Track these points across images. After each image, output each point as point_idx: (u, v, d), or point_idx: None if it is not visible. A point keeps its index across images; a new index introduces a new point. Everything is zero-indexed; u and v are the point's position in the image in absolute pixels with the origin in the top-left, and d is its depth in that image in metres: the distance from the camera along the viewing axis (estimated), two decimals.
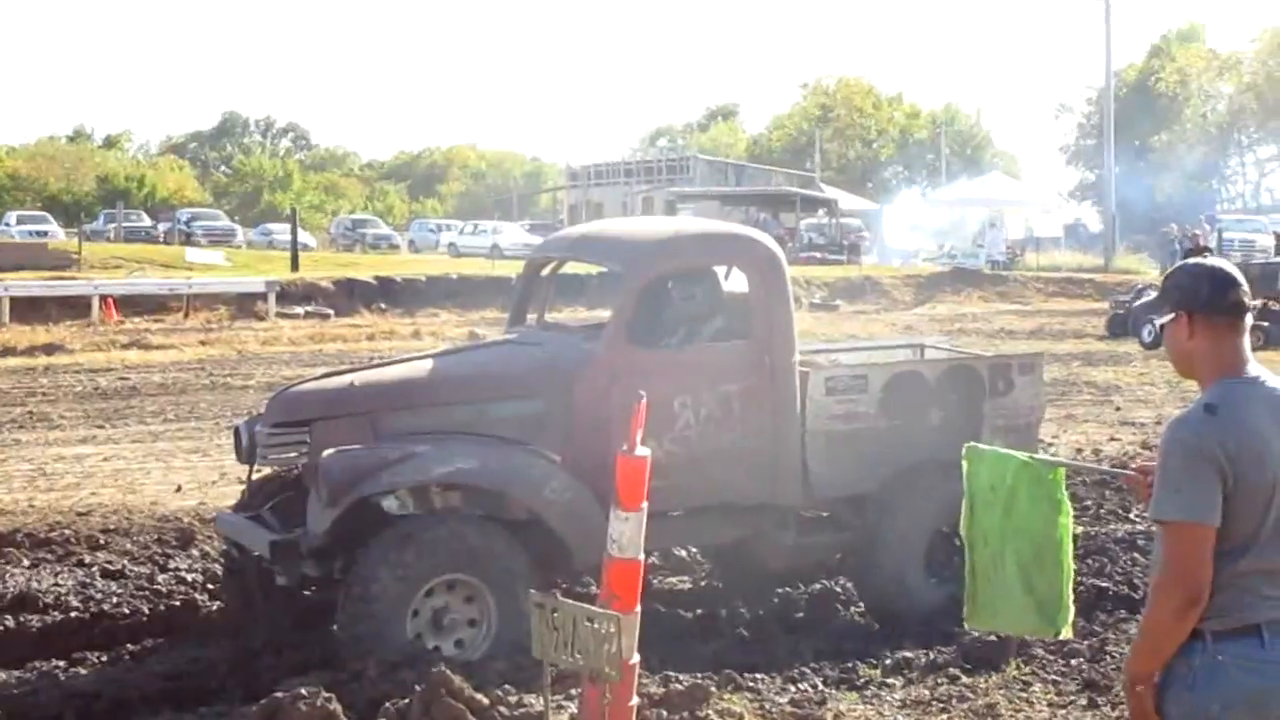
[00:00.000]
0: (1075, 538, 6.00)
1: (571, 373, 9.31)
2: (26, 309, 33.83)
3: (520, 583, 8.65)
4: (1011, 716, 7.94)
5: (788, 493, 9.74)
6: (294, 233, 40.17)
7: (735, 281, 9.93)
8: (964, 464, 5.78)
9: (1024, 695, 8.30)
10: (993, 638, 8.91)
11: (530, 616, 6.39)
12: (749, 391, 9.52)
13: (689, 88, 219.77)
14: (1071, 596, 5.73)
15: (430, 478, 8.90)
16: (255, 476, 9.93)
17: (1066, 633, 5.88)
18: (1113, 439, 17.84)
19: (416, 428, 9.14)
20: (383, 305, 37.42)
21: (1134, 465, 5.43)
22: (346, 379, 9.65)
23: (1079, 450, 16.62)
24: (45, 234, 60.41)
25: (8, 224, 66.44)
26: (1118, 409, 20.84)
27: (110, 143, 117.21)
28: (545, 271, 10.88)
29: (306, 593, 9.51)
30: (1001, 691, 8.31)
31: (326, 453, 8.87)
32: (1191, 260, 4.65)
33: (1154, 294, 19.94)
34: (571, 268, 12.60)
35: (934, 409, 10.06)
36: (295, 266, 42.54)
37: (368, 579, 8.58)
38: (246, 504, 9.93)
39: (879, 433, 9.90)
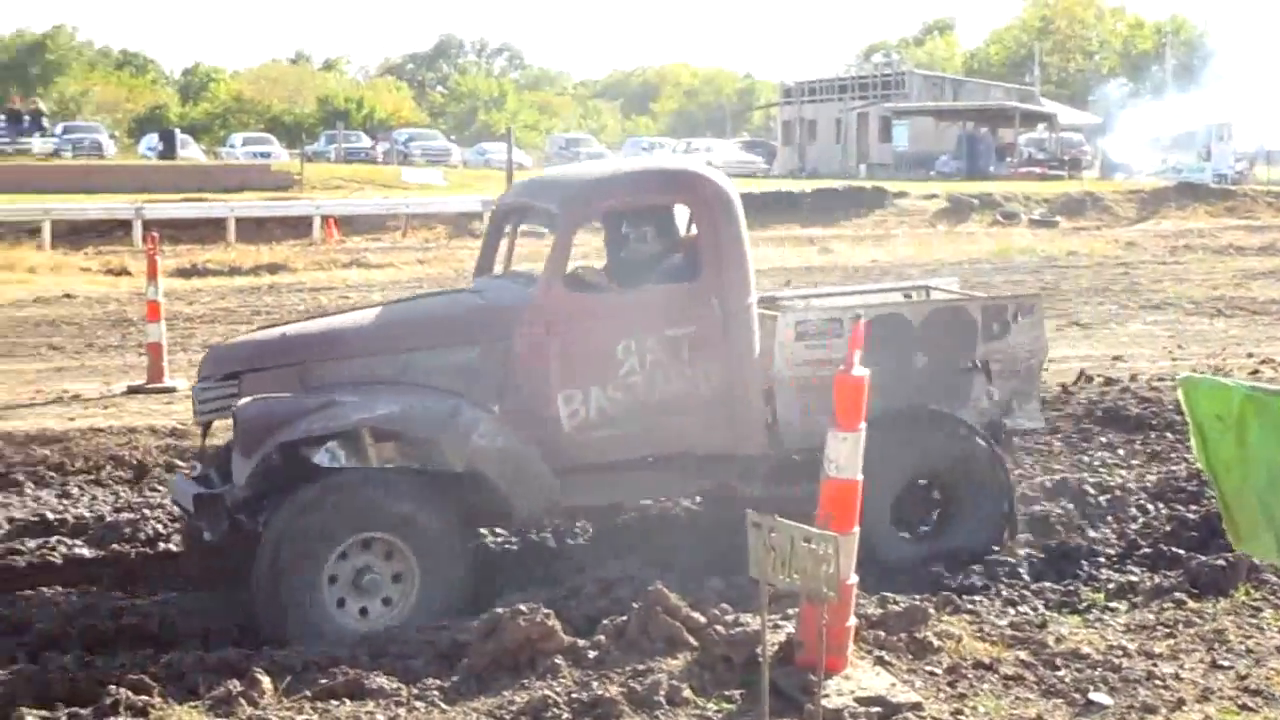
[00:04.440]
0: None
1: (507, 320, 8.96)
2: (251, 229, 34.60)
3: (443, 538, 8.42)
4: (1241, 643, 7.71)
5: (749, 442, 9.24)
6: (509, 152, 40.36)
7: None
8: (1180, 394, 5.61)
9: (1254, 621, 8.05)
10: (1220, 561, 8.69)
11: (747, 535, 6.33)
12: (698, 336, 9.05)
13: (904, 2, 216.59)
14: None
15: (348, 424, 8.49)
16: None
17: None
18: None
19: (345, 378, 8.84)
20: None
21: None
22: (278, 330, 9.50)
23: None
24: (268, 155, 61.74)
25: (232, 145, 68.12)
26: None
27: (329, 65, 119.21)
28: (508, 220, 10.33)
29: None
30: (1230, 617, 8.08)
31: (242, 401, 8.60)
32: None
33: None
34: None
35: (918, 353, 9.47)
36: (510, 185, 42.75)
37: (276, 542, 8.28)
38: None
39: None
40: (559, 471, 8.85)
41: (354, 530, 8.33)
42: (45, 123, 64.59)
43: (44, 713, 6.90)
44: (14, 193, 38.22)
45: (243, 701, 6.84)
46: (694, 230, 9.40)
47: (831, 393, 8.32)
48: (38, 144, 59.26)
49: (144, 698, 6.95)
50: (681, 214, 9.47)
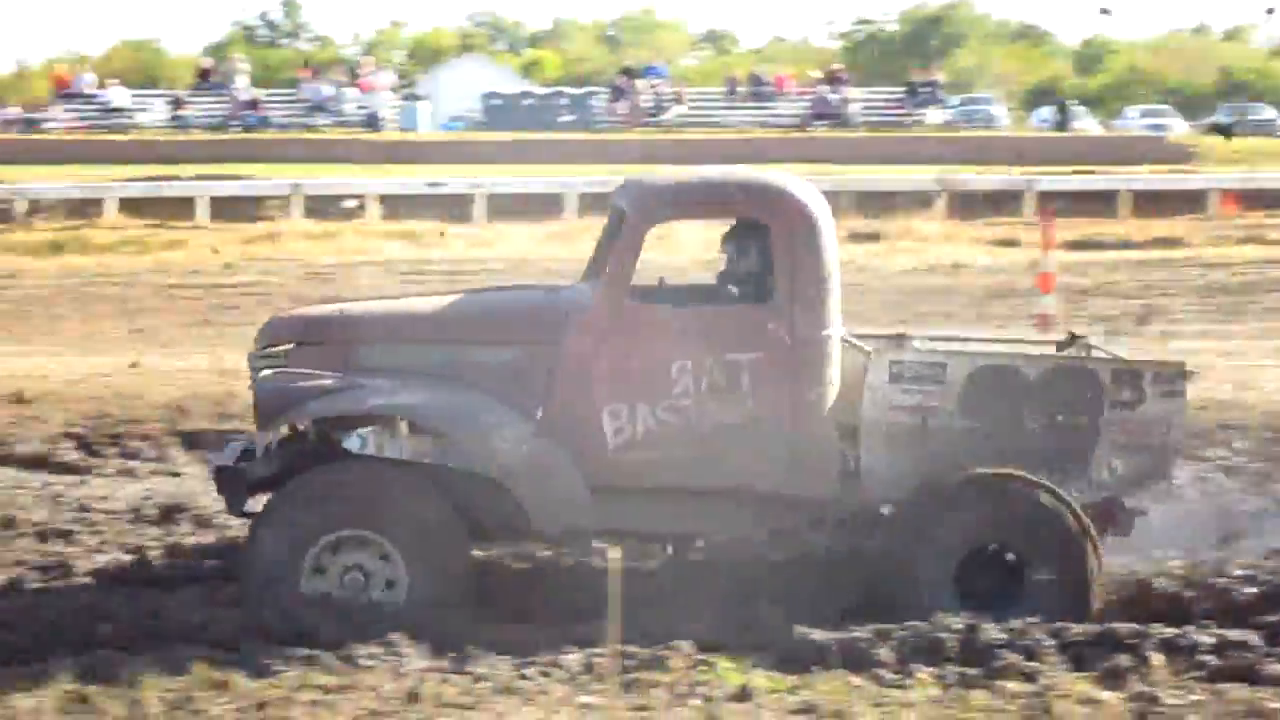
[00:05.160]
0: None
1: (561, 323, 8.43)
2: (1145, 202, 34.14)
3: (434, 540, 8.03)
4: None
5: (815, 485, 8.41)
6: None
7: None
8: None
9: None
10: None
11: None
12: (762, 364, 8.32)
13: None
14: None
15: (361, 410, 8.20)
16: None
17: None
18: None
19: (390, 364, 8.50)
20: None
21: None
22: (336, 306, 9.10)
23: None
24: (1164, 128, 60.63)
25: (1128, 117, 67.44)
26: None
27: (1231, 35, 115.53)
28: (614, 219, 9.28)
29: None
30: None
31: (263, 374, 8.41)
32: None
33: None
34: None
35: (1031, 413, 8.42)
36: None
37: (260, 531, 8.13)
38: None
39: (954, 433, 8.35)
40: (598, 491, 8.31)
41: (338, 525, 8.10)
42: (941, 95, 66.38)
43: (934, 670, 7.20)
44: (909, 164, 39.66)
45: (1134, 676, 6.86)
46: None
47: (925, 444, 8.25)
48: (932, 115, 60.99)
49: (1034, 664, 7.12)
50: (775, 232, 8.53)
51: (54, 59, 71.71)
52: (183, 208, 31.95)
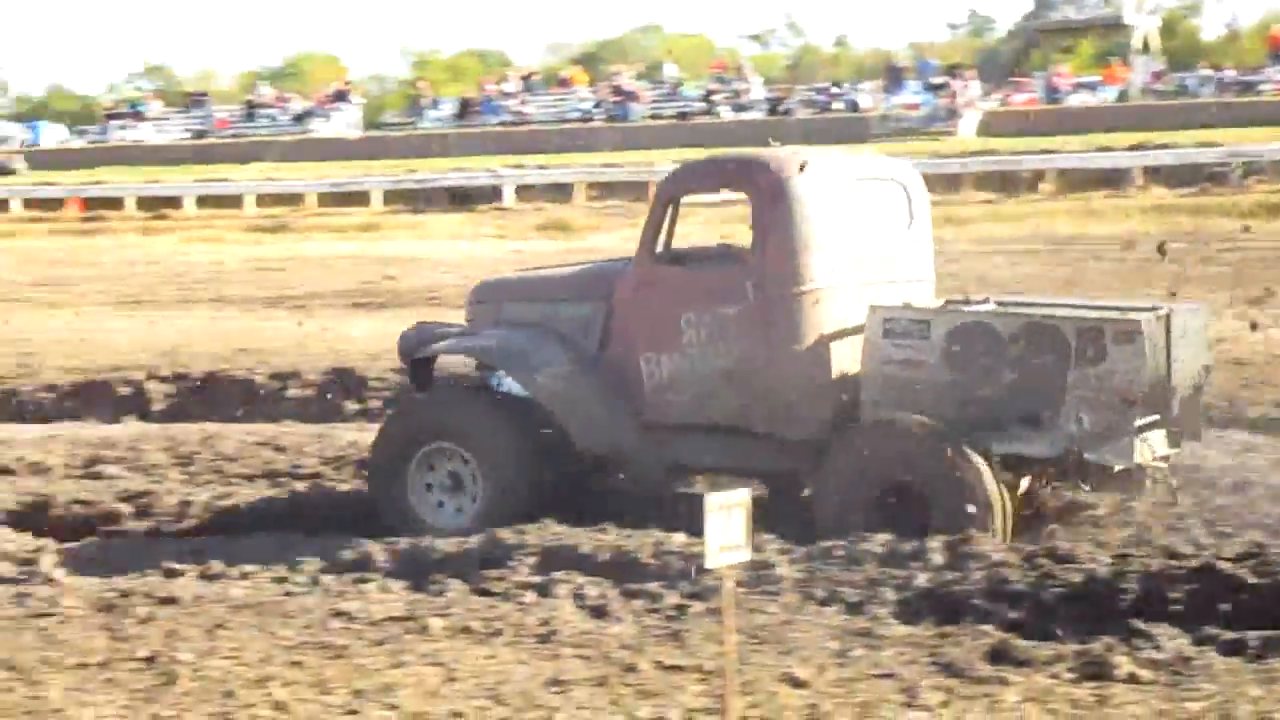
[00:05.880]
0: None
1: (614, 284, 10.27)
2: None
3: (509, 454, 10.06)
4: None
5: (795, 428, 9.67)
6: None
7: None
8: None
9: None
10: None
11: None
12: (741, 316, 9.69)
13: None
14: None
15: (456, 349, 10.80)
16: None
17: None
18: None
19: (515, 318, 10.61)
20: None
21: None
22: (516, 273, 12.09)
23: None
24: None
25: None
26: None
27: None
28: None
29: None
30: None
31: (408, 324, 11.27)
32: None
33: None
34: None
35: (1007, 369, 9.22)
36: None
37: (375, 443, 10.73)
38: None
39: (939, 385, 9.29)
40: (648, 426, 10.00)
41: (430, 439, 10.30)
42: None
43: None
44: None
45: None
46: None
47: (914, 396, 9.24)
48: None
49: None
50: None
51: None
52: None
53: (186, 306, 23.88)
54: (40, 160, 58.02)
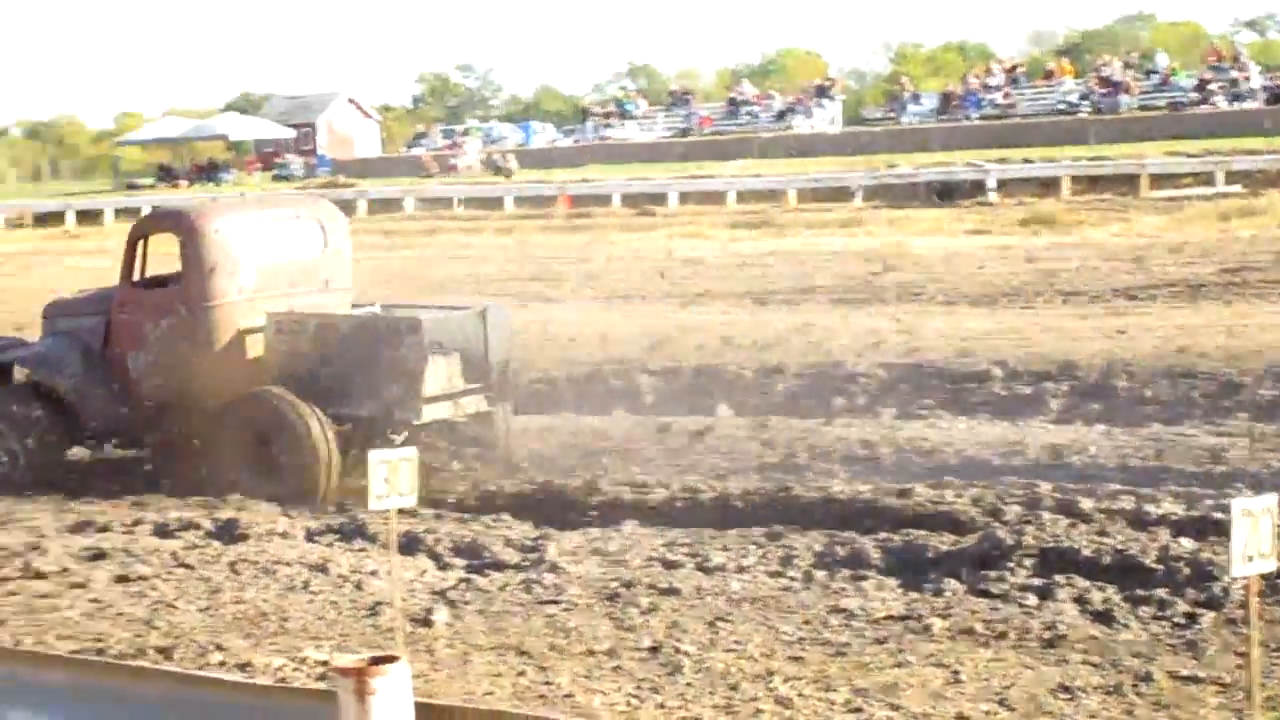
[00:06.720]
0: None
1: (110, 301, 13.99)
2: None
3: (39, 431, 13.76)
4: None
5: (218, 401, 13.13)
6: None
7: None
8: None
9: None
10: None
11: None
12: (178, 324, 13.47)
13: None
14: None
15: (8, 358, 14.20)
16: None
17: None
18: None
19: (64, 329, 14.22)
20: None
21: None
22: (75, 293, 15.12)
23: None
24: None
25: None
26: None
27: None
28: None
29: None
30: None
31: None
32: None
33: None
34: None
35: (350, 354, 12.86)
36: None
37: None
38: None
39: (307, 366, 12.97)
40: (136, 407, 13.69)
41: None
42: None
43: None
44: None
45: None
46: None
47: (293, 371, 13.02)
48: None
49: None
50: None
51: None
52: None
53: (675, 301, 24.33)
54: (530, 159, 60.46)
